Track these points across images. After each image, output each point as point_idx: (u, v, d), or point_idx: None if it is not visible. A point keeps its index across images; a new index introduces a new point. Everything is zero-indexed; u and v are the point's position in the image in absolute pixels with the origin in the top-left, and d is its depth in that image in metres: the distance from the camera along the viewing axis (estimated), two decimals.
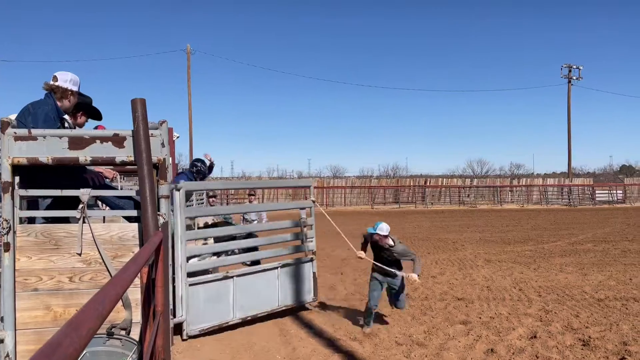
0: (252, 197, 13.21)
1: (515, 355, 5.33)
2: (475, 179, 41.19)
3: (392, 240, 6.24)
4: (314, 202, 7.18)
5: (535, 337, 5.93)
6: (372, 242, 6.37)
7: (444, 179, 39.28)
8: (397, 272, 6.24)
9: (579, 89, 48.98)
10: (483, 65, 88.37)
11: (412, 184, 35.88)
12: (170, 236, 3.58)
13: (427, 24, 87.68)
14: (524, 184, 36.71)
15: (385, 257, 6.29)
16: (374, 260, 6.44)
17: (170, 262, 3.93)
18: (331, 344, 5.84)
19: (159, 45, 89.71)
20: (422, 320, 6.77)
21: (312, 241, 7.10)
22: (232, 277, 6.21)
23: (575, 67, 40.39)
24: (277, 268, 6.70)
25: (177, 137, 14.43)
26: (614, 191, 34.99)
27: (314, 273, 7.15)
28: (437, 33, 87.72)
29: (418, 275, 6.11)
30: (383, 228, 6.16)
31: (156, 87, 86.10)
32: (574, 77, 40.20)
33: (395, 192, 34.93)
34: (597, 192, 34.86)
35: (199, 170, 8.28)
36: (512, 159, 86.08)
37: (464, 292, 8.35)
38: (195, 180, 8.20)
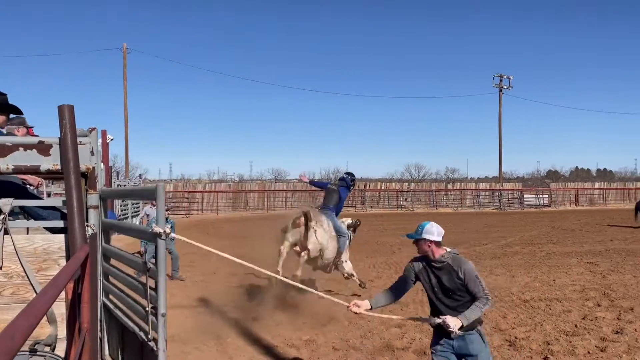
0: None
1: None
2: (413, 183, 42.34)
3: (448, 252, 3.78)
4: (164, 235, 2.76)
5: None
6: (415, 264, 3.89)
7: (383, 183, 40.10)
8: (435, 320, 3.66)
9: (509, 98, 51.56)
10: (422, 73, 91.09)
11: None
12: (100, 247, 3.45)
13: (369, 30, 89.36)
14: (458, 188, 38.12)
15: (441, 289, 3.73)
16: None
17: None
18: (269, 351, 5.83)
19: (94, 42, 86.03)
20: (359, 324, 6.89)
21: None
22: None
23: (505, 76, 42.44)
24: None
25: (111, 139, 13.97)
26: (541, 195, 37.02)
27: None
28: (379, 40, 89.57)
29: (462, 326, 3.55)
30: (433, 230, 3.73)
31: (91, 87, 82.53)
32: (505, 87, 42.24)
33: None
34: (525, 196, 36.73)
35: (353, 178, 9.05)
36: (448, 164, 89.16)
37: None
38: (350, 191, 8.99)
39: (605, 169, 67.51)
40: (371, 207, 35.06)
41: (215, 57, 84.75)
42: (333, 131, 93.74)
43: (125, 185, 18.57)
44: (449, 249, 3.80)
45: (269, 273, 4.32)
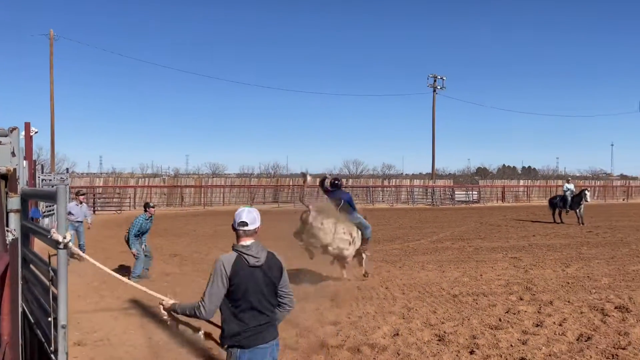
0: (82, 196, 12.35)
1: (378, 354, 5.68)
2: (351, 179, 42.97)
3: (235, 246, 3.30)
4: (63, 245, 2.60)
5: (397, 334, 6.37)
6: None
7: None
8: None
9: (443, 97, 53.31)
10: (361, 71, 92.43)
11: (291, 184, 36.39)
12: (20, 254, 3.26)
13: (308, 26, 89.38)
14: (393, 184, 39.08)
15: None
16: None
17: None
18: (202, 353, 5.75)
19: (18, 29, 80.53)
20: (295, 322, 6.91)
21: None
22: None
23: (439, 77, 44.00)
24: None
25: (36, 132, 13.18)
26: (471, 192, 38.67)
27: None
28: (318, 36, 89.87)
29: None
30: (241, 215, 3.29)
31: (13, 75, 77.31)
32: (439, 87, 43.80)
33: (274, 192, 35.18)
34: (456, 192, 38.26)
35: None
36: (385, 160, 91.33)
37: (336, 292, 8.69)
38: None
39: (529, 167, 71.40)
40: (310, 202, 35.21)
41: (152, 47, 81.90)
42: (273, 126, 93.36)
43: (50, 180, 17.60)
44: (244, 243, 3.25)
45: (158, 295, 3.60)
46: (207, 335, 3.45)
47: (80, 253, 3.27)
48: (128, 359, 5.68)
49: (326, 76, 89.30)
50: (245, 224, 3.25)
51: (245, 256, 3.18)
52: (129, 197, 29.78)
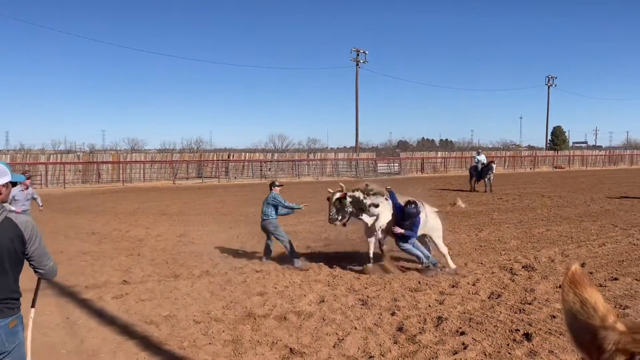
0: (28, 180, 10.34)
1: (304, 321, 5.80)
2: (276, 154, 42.84)
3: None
4: None
5: (323, 301, 6.53)
6: None
7: (247, 154, 39.95)
8: None
9: (366, 72, 54.14)
10: (285, 44, 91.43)
11: (215, 159, 35.68)
12: None
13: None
14: (319, 157, 39.43)
15: None
16: None
17: None
18: (125, 330, 5.60)
19: None
20: (222, 295, 6.90)
21: None
22: None
23: (362, 51, 44.44)
24: None
25: None
26: (392, 164, 39.89)
27: None
28: (243, 9, 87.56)
29: None
30: None
31: None
32: (362, 61, 44.26)
33: (198, 167, 34.35)
34: (378, 164, 39.32)
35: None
36: (310, 134, 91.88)
37: (262, 264, 8.73)
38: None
39: (447, 140, 74.74)
40: (235, 177, 34.80)
41: (61, 14, 76.05)
42: (196, 100, 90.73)
43: None
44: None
45: None
46: None
47: None
48: (43, 341, 5.41)
49: (250, 49, 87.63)
50: None
51: None
52: (40, 175, 27.91)
